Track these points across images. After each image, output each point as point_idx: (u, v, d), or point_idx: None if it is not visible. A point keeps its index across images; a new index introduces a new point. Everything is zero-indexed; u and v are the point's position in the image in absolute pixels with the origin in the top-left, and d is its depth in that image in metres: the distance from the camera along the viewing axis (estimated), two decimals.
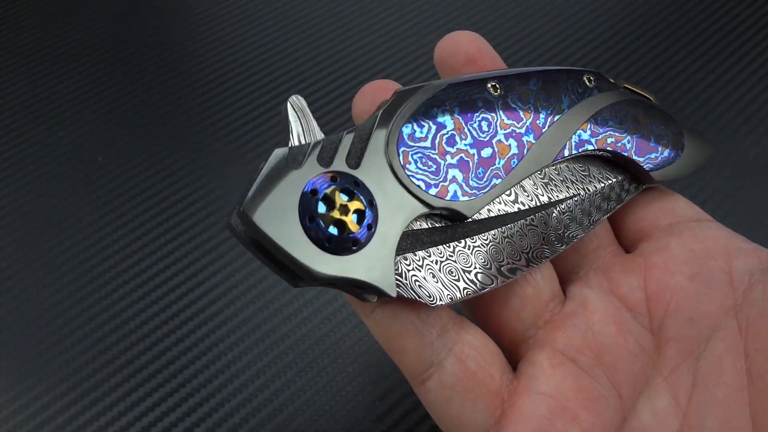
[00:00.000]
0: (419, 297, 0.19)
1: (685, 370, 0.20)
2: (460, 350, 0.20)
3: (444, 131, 0.21)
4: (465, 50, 0.24)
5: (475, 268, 0.20)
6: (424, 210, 0.19)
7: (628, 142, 0.24)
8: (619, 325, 0.21)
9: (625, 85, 0.26)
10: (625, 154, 0.24)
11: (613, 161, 0.25)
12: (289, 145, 0.19)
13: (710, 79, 0.44)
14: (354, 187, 0.18)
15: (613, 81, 0.26)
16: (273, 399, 0.31)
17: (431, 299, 0.19)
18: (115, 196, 0.38)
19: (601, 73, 0.26)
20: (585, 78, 0.25)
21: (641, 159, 0.24)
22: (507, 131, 0.22)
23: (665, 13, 0.48)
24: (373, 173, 0.19)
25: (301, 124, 0.19)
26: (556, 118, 0.23)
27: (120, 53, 0.46)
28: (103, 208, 0.38)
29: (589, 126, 0.24)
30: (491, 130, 0.21)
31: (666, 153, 0.25)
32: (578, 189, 0.24)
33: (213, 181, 0.39)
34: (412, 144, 0.20)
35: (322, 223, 0.17)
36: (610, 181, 0.24)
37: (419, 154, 0.20)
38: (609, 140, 0.24)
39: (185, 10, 0.49)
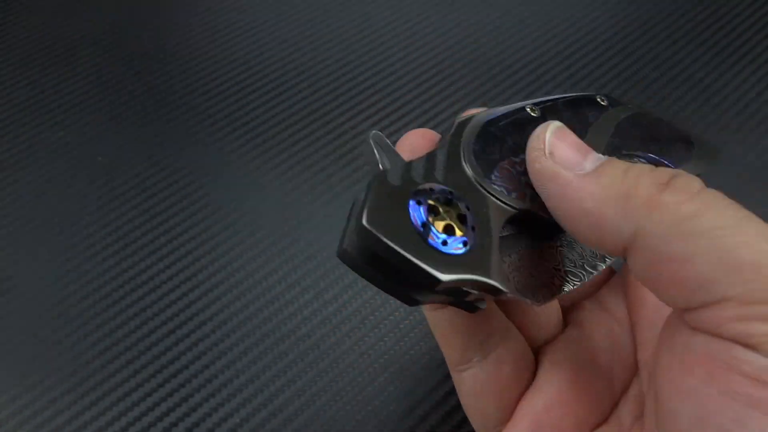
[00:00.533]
0: (524, 297, 0.20)
1: (648, 365, 0.23)
2: (501, 354, 0.22)
3: (506, 145, 0.23)
4: (421, 147, 0.25)
5: (564, 266, 0.22)
6: (510, 211, 0.21)
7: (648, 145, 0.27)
8: (610, 333, 0.24)
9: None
10: (651, 155, 0.26)
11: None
12: (382, 168, 0.20)
13: (710, 79, 0.44)
14: (450, 196, 0.20)
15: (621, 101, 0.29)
16: (273, 399, 0.31)
17: (536, 299, 0.20)
18: (115, 196, 0.38)
19: (612, 96, 0.29)
20: (598, 98, 0.28)
21: (662, 159, 0.27)
22: None
23: (665, 13, 0.48)
24: (459, 185, 0.20)
25: (386, 155, 0.21)
26: (588, 129, 0.25)
27: (120, 53, 0.46)
28: (103, 208, 0.38)
29: (616, 134, 0.26)
30: None
31: (679, 154, 0.27)
32: None
33: (213, 181, 0.39)
34: (484, 157, 0.22)
35: (433, 228, 0.19)
36: None
37: (493, 166, 0.22)
38: (635, 143, 0.27)
39: (186, 10, 0.49)
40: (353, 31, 0.47)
